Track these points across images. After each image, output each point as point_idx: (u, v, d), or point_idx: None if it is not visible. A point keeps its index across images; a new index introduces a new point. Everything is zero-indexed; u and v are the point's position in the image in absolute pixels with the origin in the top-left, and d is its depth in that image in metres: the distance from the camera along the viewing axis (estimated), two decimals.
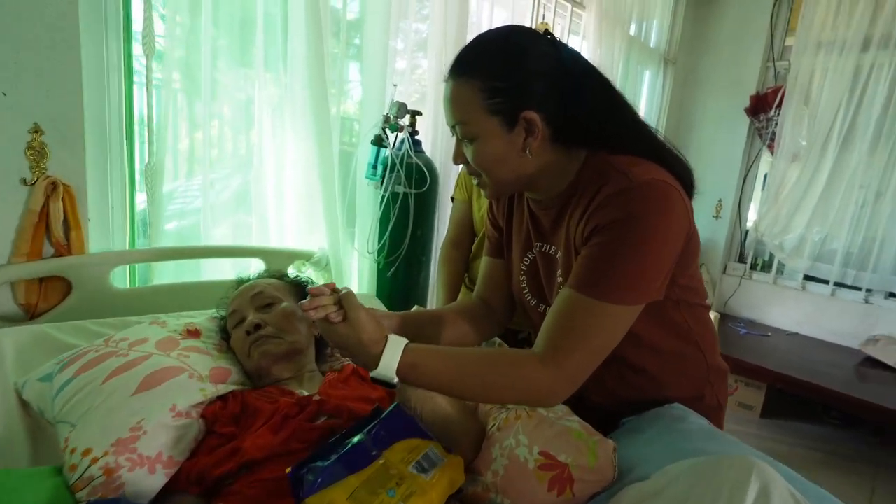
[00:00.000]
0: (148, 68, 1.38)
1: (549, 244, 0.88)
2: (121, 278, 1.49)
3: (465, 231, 1.50)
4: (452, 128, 0.79)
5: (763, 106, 3.18)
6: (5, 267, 1.24)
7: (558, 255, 0.86)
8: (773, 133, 3.13)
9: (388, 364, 0.68)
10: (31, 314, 1.31)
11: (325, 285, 0.76)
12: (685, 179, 0.77)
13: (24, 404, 0.96)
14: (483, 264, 1.04)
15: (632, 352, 0.79)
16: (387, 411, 0.78)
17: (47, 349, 1.08)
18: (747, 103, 3.22)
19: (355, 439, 0.71)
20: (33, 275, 1.27)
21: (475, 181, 0.85)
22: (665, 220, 0.71)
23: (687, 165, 0.80)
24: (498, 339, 1.13)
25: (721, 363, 0.93)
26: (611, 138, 0.77)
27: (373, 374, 0.69)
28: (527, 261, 0.93)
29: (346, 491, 0.64)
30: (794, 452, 2.39)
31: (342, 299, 0.71)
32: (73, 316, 1.29)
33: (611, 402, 0.91)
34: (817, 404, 2.77)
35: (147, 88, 1.40)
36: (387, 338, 0.69)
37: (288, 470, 0.66)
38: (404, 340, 0.71)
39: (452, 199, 1.55)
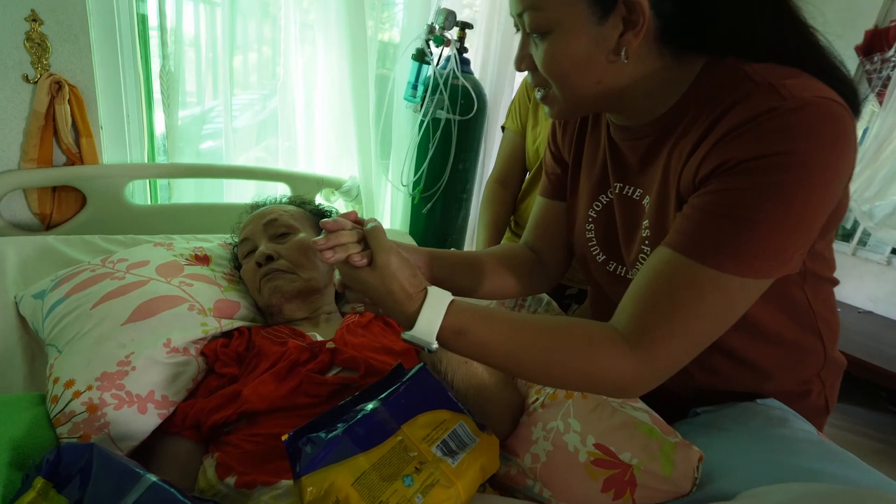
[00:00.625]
0: None
1: (632, 186, 0.67)
2: (140, 195, 1.40)
3: (514, 167, 1.29)
4: (518, 17, 0.58)
5: (880, 44, 2.65)
6: (15, 172, 1.16)
7: (646, 202, 0.65)
8: (888, 78, 2.63)
9: (428, 326, 0.53)
10: (46, 224, 1.24)
11: (344, 215, 0.60)
12: (851, 103, 0.53)
13: (23, 319, 0.88)
14: (536, 206, 0.84)
15: (732, 335, 0.59)
16: (410, 373, 0.64)
17: (51, 262, 1.00)
18: (860, 39, 2.69)
19: (369, 406, 0.58)
20: (44, 182, 1.19)
21: (538, 94, 0.63)
22: (834, 160, 0.48)
23: (853, 83, 0.55)
24: (546, 297, 0.96)
25: (839, 356, 0.72)
26: (754, 41, 0.54)
27: (406, 335, 0.54)
28: (598, 206, 0.73)
29: (353, 473, 0.51)
30: (845, 439, 2.18)
31: (367, 236, 0.57)
32: (88, 230, 1.21)
33: (683, 388, 0.73)
34: (880, 390, 2.51)
35: None
36: (426, 290, 0.55)
37: (284, 437, 0.54)
38: (448, 295, 0.55)
39: (503, 128, 1.33)
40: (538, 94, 0.63)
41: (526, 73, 1.28)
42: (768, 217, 0.49)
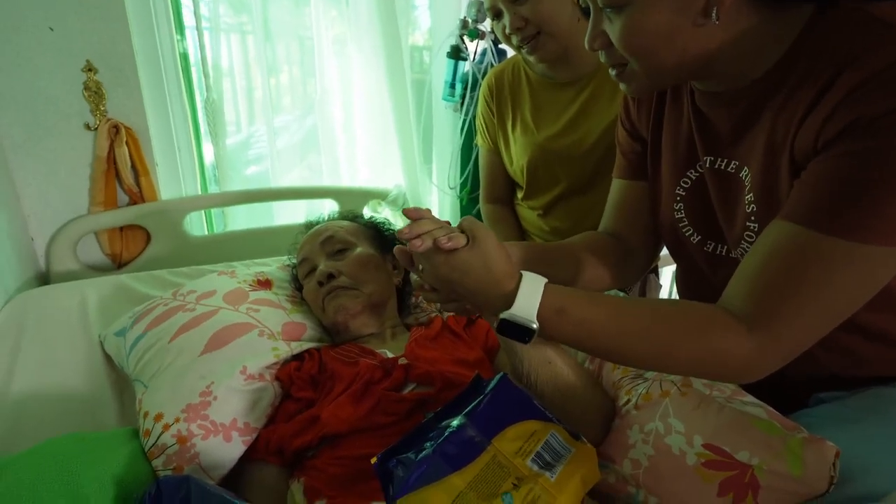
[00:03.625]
0: (196, 8, 1.26)
1: (726, 158, 0.61)
2: (197, 226, 1.47)
3: (501, 183, 1.24)
4: None
5: None
6: (87, 217, 1.25)
7: (744, 174, 0.59)
8: None
9: (527, 304, 0.52)
10: (117, 264, 1.32)
11: (419, 209, 0.60)
12: None
13: (109, 357, 0.93)
14: (614, 189, 0.79)
15: (865, 310, 0.53)
16: (491, 384, 0.61)
17: (127, 299, 1.06)
18: None
19: (455, 422, 0.56)
20: (112, 224, 1.26)
21: (612, 73, 0.59)
22: None
23: None
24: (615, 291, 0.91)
25: None
26: None
27: (506, 314, 0.53)
28: (686, 182, 0.68)
29: (449, 494, 0.49)
30: None
31: (463, 224, 0.58)
32: (155, 265, 1.28)
33: (803, 374, 0.66)
34: None
35: (197, 27, 1.29)
36: (521, 274, 0.55)
37: (374, 460, 0.53)
38: (543, 278, 0.54)
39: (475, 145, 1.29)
40: (613, 73, 0.59)
41: (491, 77, 1.23)
42: None
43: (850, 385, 0.64)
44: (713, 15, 0.49)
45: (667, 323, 0.52)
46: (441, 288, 0.58)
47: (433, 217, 0.58)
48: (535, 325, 0.52)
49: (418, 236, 0.55)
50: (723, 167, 0.62)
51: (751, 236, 0.60)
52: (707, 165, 0.64)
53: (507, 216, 1.27)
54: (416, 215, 0.57)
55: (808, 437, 0.54)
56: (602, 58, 0.59)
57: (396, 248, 0.61)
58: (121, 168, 1.22)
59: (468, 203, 1.61)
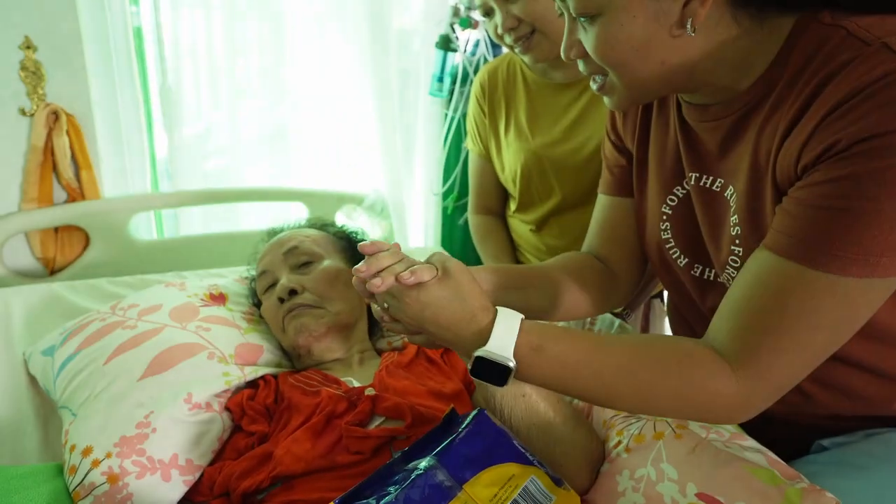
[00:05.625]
0: None
1: (712, 175, 0.65)
2: (145, 230, 1.46)
3: (492, 193, 1.27)
4: (562, 1, 0.57)
5: None
6: (17, 214, 1.23)
7: (729, 194, 0.63)
8: None
9: (503, 341, 0.54)
10: (50, 270, 1.31)
11: (376, 243, 0.61)
12: None
13: (34, 379, 0.92)
14: (599, 206, 0.82)
15: (859, 345, 0.56)
16: (467, 420, 0.62)
17: (59, 312, 1.05)
18: None
19: (423, 464, 0.57)
20: (46, 223, 1.25)
21: (593, 85, 0.62)
22: None
23: None
24: (617, 320, 0.93)
25: None
26: None
27: (481, 351, 0.55)
28: (672, 200, 0.71)
29: None
30: None
31: (432, 257, 0.60)
32: (94, 273, 1.27)
33: (798, 414, 0.69)
34: None
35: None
36: (495, 309, 0.57)
37: None
38: (519, 314, 0.57)
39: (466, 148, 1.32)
40: (593, 85, 0.62)
41: (484, 74, 1.27)
42: (893, 205, 0.47)
43: (854, 427, 0.66)
44: (689, 26, 0.53)
45: (648, 361, 0.54)
46: (408, 323, 0.60)
47: (394, 250, 0.59)
48: (512, 364, 0.54)
49: (377, 275, 0.56)
50: (708, 185, 0.65)
51: (735, 261, 0.62)
52: (693, 182, 0.67)
53: (498, 229, 1.29)
54: (372, 250, 0.58)
55: (807, 488, 0.56)
56: (581, 67, 0.61)
57: (354, 280, 0.62)
58: (59, 160, 1.21)
59: (454, 211, 1.63)
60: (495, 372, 0.55)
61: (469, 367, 0.56)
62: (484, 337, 0.55)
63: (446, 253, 0.60)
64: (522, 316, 0.57)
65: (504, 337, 0.54)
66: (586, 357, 0.55)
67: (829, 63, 0.50)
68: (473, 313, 0.56)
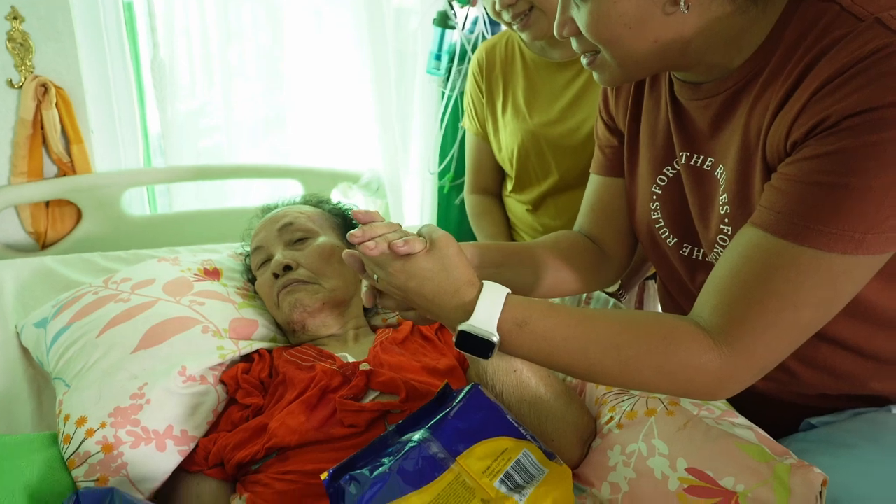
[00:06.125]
0: None
1: (703, 154, 0.65)
2: (138, 205, 1.45)
3: (488, 173, 1.26)
4: None
5: None
6: (6, 188, 1.22)
7: (719, 173, 0.63)
8: None
9: (487, 315, 0.54)
10: (42, 244, 1.30)
11: (370, 211, 0.62)
12: None
13: (27, 350, 0.92)
14: (591, 186, 0.82)
15: (843, 323, 0.57)
16: (461, 394, 0.63)
17: (51, 286, 1.04)
18: None
19: (416, 436, 0.57)
20: (37, 197, 1.24)
21: (584, 60, 0.62)
22: None
23: None
24: (611, 298, 0.94)
25: None
26: None
27: (464, 326, 0.55)
28: (662, 180, 0.71)
29: None
30: None
31: (421, 230, 0.60)
32: (86, 247, 1.26)
33: (788, 393, 0.70)
34: None
35: None
36: (481, 283, 0.57)
37: (324, 476, 0.54)
38: (505, 288, 0.57)
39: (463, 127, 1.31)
40: (583, 60, 0.62)
41: (482, 52, 1.25)
42: (881, 182, 0.47)
43: (842, 406, 0.67)
44: (682, 4, 0.52)
45: (630, 334, 0.54)
46: (396, 296, 0.60)
47: (386, 221, 0.60)
48: (495, 338, 0.54)
49: (371, 239, 0.56)
50: (699, 163, 0.65)
51: (724, 240, 0.63)
52: (683, 161, 0.67)
53: (494, 209, 1.29)
54: (366, 218, 0.59)
55: (796, 464, 0.57)
56: (574, 45, 0.61)
57: (345, 253, 0.63)
58: (49, 133, 1.19)
59: (451, 191, 1.62)
60: (479, 345, 0.55)
61: (454, 339, 0.56)
62: (468, 311, 0.55)
63: (435, 226, 0.60)
64: (508, 290, 0.57)
65: (488, 311, 0.54)
66: (571, 332, 0.55)
67: (821, 39, 0.50)
68: (458, 286, 0.56)
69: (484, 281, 0.57)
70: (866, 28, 0.48)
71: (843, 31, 0.49)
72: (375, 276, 0.60)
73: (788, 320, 0.51)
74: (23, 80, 1.17)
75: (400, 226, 0.60)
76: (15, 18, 1.12)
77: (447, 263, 0.56)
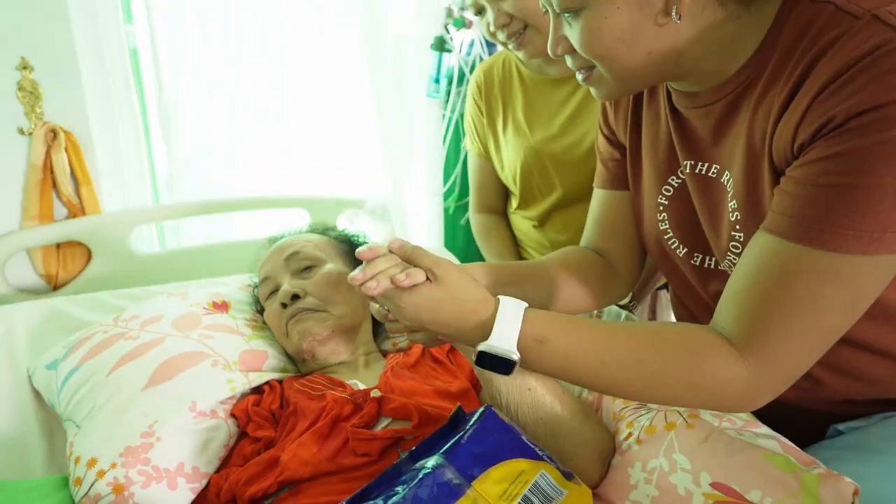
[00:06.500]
0: None
1: (707, 162, 0.64)
2: (147, 242, 1.46)
3: (492, 192, 1.26)
4: None
5: None
6: (18, 232, 1.24)
7: (725, 179, 0.62)
8: None
9: (506, 333, 0.54)
10: (53, 285, 1.31)
11: (374, 248, 0.60)
12: None
13: (39, 394, 0.92)
14: (595, 201, 0.82)
15: (864, 326, 0.55)
16: (474, 417, 0.62)
17: (62, 327, 1.05)
18: None
19: (430, 462, 0.56)
20: (48, 240, 1.26)
21: (580, 76, 0.62)
22: None
23: None
24: (623, 311, 0.92)
25: None
26: None
27: (483, 346, 0.54)
28: (668, 190, 0.70)
29: None
30: None
31: (413, 255, 0.58)
32: (97, 287, 1.27)
33: (810, 400, 0.68)
34: None
35: (148, 18, 1.30)
36: (497, 299, 0.56)
37: None
38: (522, 303, 0.56)
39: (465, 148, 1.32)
40: (579, 76, 0.62)
41: (480, 73, 1.27)
42: (893, 179, 0.46)
43: (869, 411, 0.65)
44: (674, 13, 0.52)
45: (655, 349, 0.53)
46: (410, 325, 0.59)
47: (387, 254, 0.59)
48: (516, 356, 0.53)
49: (372, 278, 0.55)
50: (704, 171, 0.64)
51: (737, 247, 0.62)
52: (688, 170, 0.66)
53: (500, 227, 1.29)
54: (369, 255, 0.57)
55: (824, 473, 0.55)
56: (569, 63, 0.61)
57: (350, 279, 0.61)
58: (58, 177, 1.22)
59: (456, 211, 1.63)
60: (500, 363, 0.54)
61: (472, 359, 0.55)
62: (486, 329, 0.54)
63: (433, 254, 0.58)
64: (526, 304, 0.56)
65: (506, 330, 0.54)
66: (593, 347, 0.54)
67: (819, 40, 0.50)
68: (471, 308, 0.55)
69: (500, 296, 0.56)
70: (864, 25, 0.48)
71: (840, 30, 0.49)
72: (386, 308, 0.60)
73: (812, 327, 0.50)
74: (33, 126, 1.19)
75: (399, 260, 0.58)
76: (25, 68, 1.16)
77: (452, 288, 0.56)
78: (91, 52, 1.23)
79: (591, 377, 0.55)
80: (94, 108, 1.25)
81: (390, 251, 0.59)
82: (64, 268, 1.29)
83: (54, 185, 1.24)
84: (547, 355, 0.54)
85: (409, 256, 0.58)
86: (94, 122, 1.25)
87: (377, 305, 0.64)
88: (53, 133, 1.20)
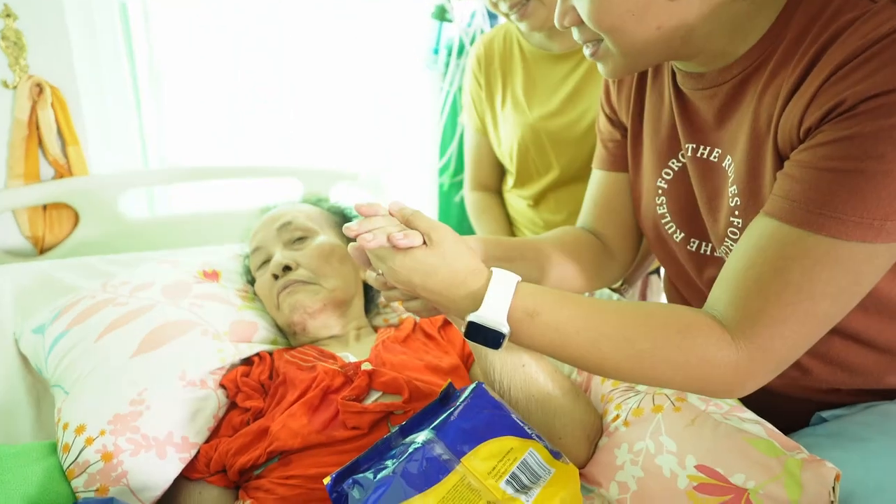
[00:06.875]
0: None
1: (709, 146, 0.64)
2: (136, 207, 1.43)
3: (489, 169, 1.25)
4: None
5: None
6: (2, 192, 1.21)
7: (727, 164, 0.61)
8: None
9: (497, 305, 0.53)
10: (39, 248, 1.29)
11: (373, 205, 0.61)
12: None
13: (26, 358, 0.91)
14: (593, 182, 0.81)
15: (855, 316, 0.56)
16: (465, 394, 0.62)
17: (50, 291, 1.03)
18: None
19: (420, 438, 0.56)
20: (33, 201, 1.23)
21: (586, 51, 0.60)
22: None
23: None
24: (616, 294, 0.93)
25: None
26: None
27: (473, 316, 0.54)
28: (668, 173, 0.70)
29: None
30: None
31: (412, 218, 0.58)
32: (84, 251, 1.25)
33: (799, 389, 0.69)
34: None
35: None
36: (490, 270, 0.56)
37: (327, 480, 0.53)
38: (515, 276, 0.55)
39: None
40: (586, 51, 0.61)
41: (480, 46, 1.24)
42: None
43: (853, 401, 0.66)
44: None
45: (646, 328, 0.53)
46: (402, 288, 0.59)
47: (388, 215, 0.59)
48: (506, 329, 0.53)
49: (368, 231, 0.55)
50: (705, 155, 0.64)
51: (734, 233, 0.62)
52: (689, 154, 0.65)
53: (494, 206, 1.28)
54: (369, 212, 0.58)
55: (807, 458, 0.56)
56: (574, 35, 0.60)
57: (350, 246, 0.62)
58: (44, 135, 1.18)
59: (451, 188, 1.62)
60: (489, 336, 0.54)
61: (462, 330, 0.55)
62: (477, 300, 0.54)
63: (431, 219, 0.58)
64: (519, 278, 0.55)
65: (497, 301, 0.53)
66: (584, 323, 0.54)
67: (833, 22, 0.49)
68: (463, 277, 0.55)
69: (493, 268, 0.56)
70: (880, 9, 0.47)
71: (855, 13, 0.48)
72: (380, 271, 0.59)
73: (806, 313, 0.50)
74: (17, 79, 1.15)
75: (397, 221, 0.59)
76: (8, 16, 1.11)
77: (447, 254, 0.55)
78: (78, 3, 1.18)
79: (582, 353, 0.55)
80: (82, 63, 1.21)
81: (389, 213, 0.59)
82: (51, 231, 1.27)
83: (40, 143, 1.20)
84: (537, 330, 0.54)
85: (407, 219, 0.58)
86: (81, 79, 1.21)
87: (373, 274, 0.64)
88: (39, 87, 1.16)
